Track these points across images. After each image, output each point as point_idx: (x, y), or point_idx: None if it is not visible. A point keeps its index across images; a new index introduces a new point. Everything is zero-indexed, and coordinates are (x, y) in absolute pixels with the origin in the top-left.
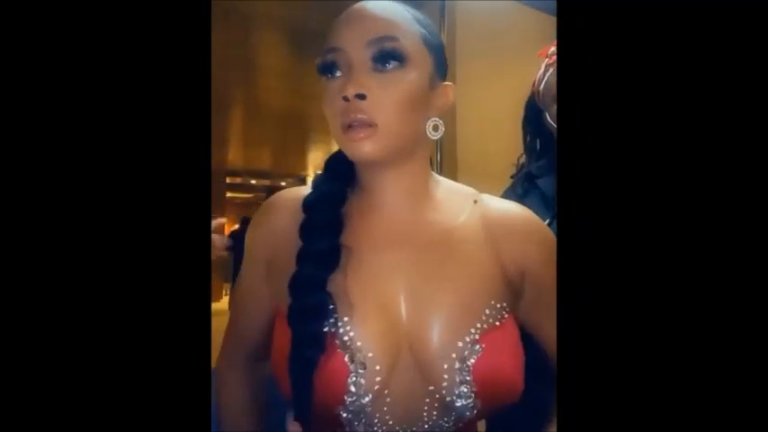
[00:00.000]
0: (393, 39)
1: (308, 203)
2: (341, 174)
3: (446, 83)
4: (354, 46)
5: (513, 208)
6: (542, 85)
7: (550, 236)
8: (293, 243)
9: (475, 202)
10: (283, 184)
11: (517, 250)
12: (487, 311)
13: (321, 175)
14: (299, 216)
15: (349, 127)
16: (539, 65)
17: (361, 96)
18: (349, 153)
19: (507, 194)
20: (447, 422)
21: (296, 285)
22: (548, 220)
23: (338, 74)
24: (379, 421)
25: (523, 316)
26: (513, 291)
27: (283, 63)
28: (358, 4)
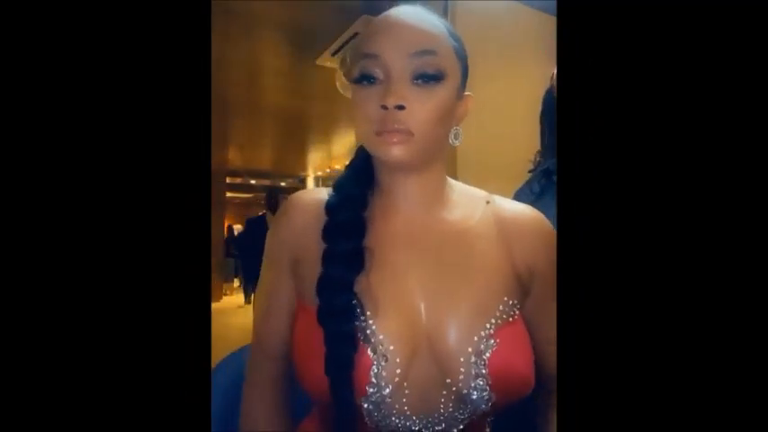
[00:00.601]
0: (433, 53)
1: (331, 206)
2: (362, 177)
3: (467, 93)
4: (394, 56)
5: (524, 209)
6: None
7: (554, 237)
8: (316, 243)
9: (487, 203)
10: (283, 184)
11: (528, 249)
12: (501, 307)
13: (343, 178)
14: (321, 217)
15: (384, 130)
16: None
17: (401, 107)
18: (381, 154)
19: (524, 191)
20: (462, 414)
21: (324, 287)
22: None
23: (375, 81)
24: (397, 412)
25: (527, 315)
26: (523, 288)
27: (283, 63)
28: (395, 12)
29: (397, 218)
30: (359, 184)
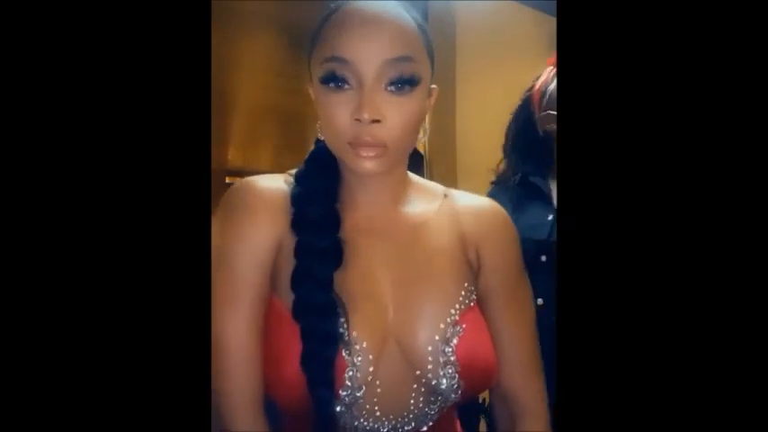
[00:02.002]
0: (409, 60)
1: (297, 197)
2: (327, 170)
3: (432, 86)
4: (368, 63)
5: (478, 200)
6: (547, 94)
7: (508, 225)
8: (287, 234)
9: (445, 196)
10: None
11: (475, 232)
12: (462, 293)
13: (304, 170)
14: (285, 207)
15: (358, 144)
16: (538, 64)
17: (377, 121)
18: (352, 166)
19: (502, 201)
20: (431, 410)
21: (300, 281)
22: (550, 217)
23: (346, 87)
24: (366, 412)
25: (479, 301)
26: (473, 271)
27: (283, 63)
28: (364, 7)
29: (359, 213)
30: (324, 177)
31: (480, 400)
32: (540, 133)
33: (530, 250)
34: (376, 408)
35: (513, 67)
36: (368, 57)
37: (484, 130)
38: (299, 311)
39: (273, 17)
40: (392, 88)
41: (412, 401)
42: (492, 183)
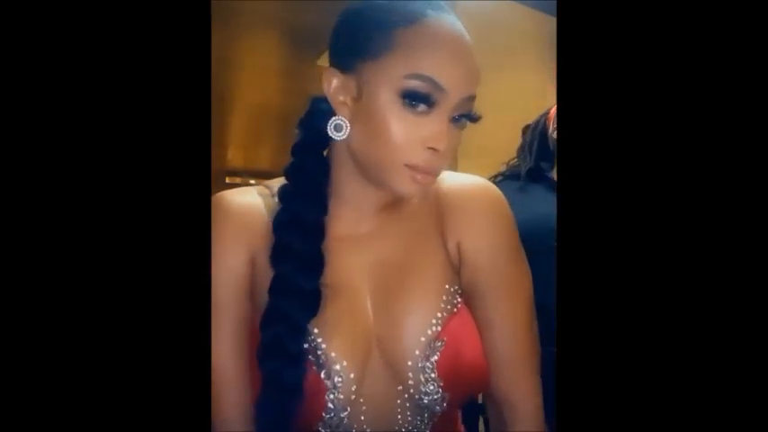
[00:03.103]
0: (474, 98)
1: (279, 224)
2: (317, 194)
3: None
4: (457, 95)
5: (462, 180)
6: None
7: (497, 207)
8: (260, 254)
9: None
10: None
11: (455, 221)
12: (444, 298)
13: (291, 187)
14: (263, 225)
15: (418, 169)
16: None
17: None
18: (398, 186)
19: (510, 189)
20: (422, 421)
21: (270, 322)
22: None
23: (421, 108)
24: (356, 431)
25: (464, 298)
26: (454, 269)
27: (283, 63)
28: (458, 34)
29: (343, 222)
30: (313, 209)
31: (480, 400)
32: (551, 143)
33: (541, 237)
34: (365, 426)
35: (512, 66)
36: (459, 90)
37: (484, 129)
38: (263, 356)
39: (273, 17)
40: (457, 120)
41: (399, 416)
42: (498, 175)
